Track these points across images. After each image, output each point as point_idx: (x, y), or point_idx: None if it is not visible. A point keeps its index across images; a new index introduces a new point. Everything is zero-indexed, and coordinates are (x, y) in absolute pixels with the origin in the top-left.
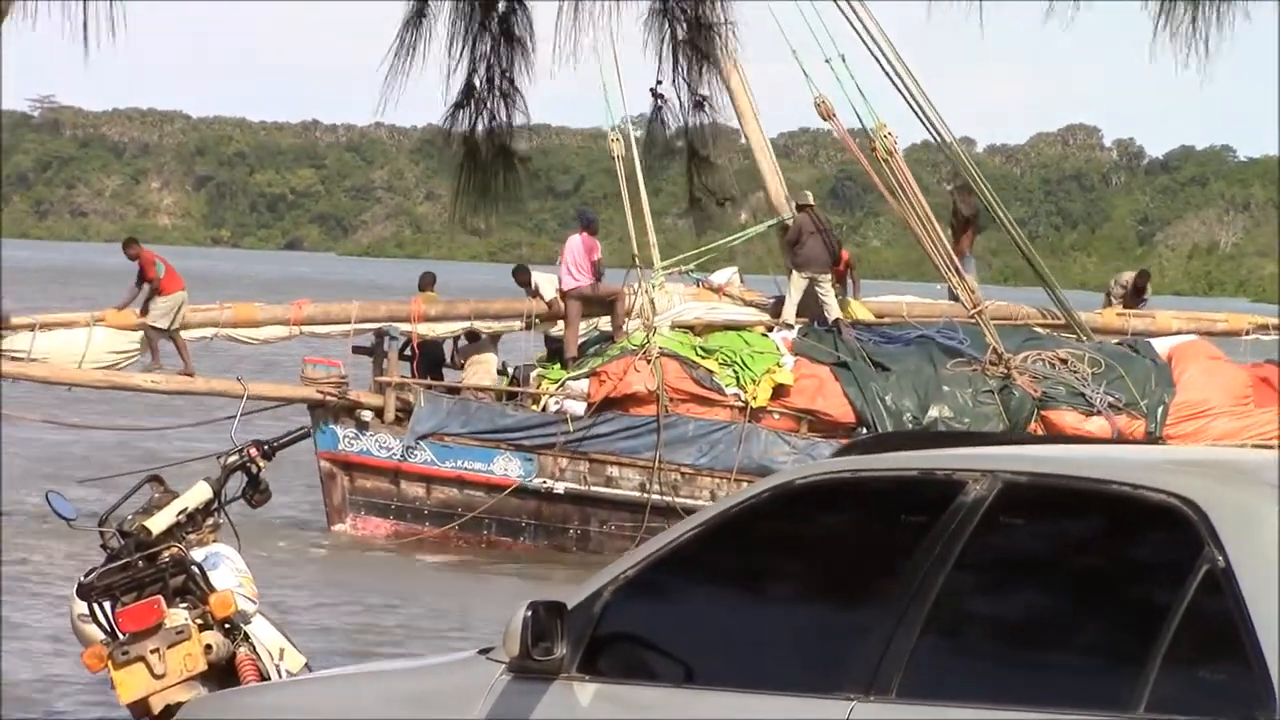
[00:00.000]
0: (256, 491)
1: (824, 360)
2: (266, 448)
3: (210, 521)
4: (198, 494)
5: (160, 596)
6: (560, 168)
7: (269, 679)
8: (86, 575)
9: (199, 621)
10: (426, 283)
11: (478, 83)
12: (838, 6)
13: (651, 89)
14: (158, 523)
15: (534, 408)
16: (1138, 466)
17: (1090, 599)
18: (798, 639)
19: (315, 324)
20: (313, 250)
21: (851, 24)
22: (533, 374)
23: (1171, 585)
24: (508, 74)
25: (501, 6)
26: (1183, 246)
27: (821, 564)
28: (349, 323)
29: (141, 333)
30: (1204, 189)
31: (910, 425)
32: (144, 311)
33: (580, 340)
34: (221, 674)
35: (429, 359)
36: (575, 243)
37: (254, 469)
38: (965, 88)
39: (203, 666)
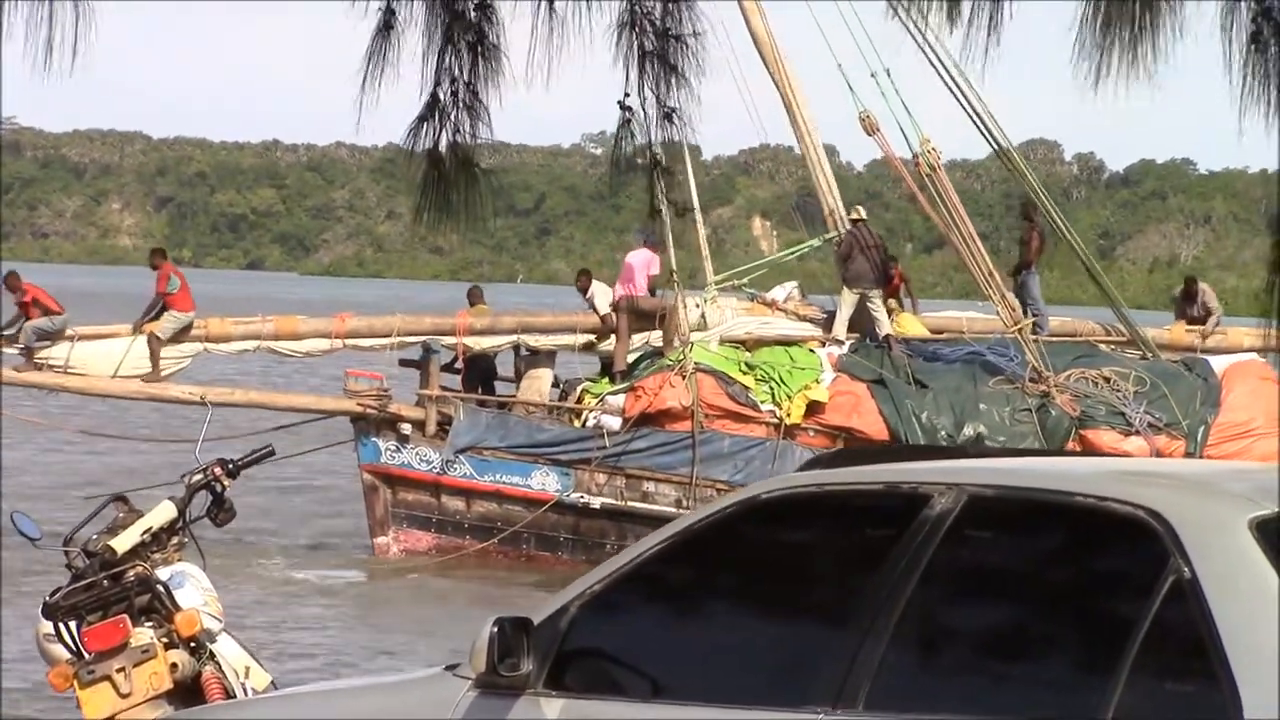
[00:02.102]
0: (221, 510)
1: (864, 377)
2: (231, 466)
3: (175, 540)
4: (162, 513)
5: (126, 616)
6: (521, 185)
7: (234, 697)
8: (52, 595)
9: (165, 640)
10: (476, 296)
11: (443, 96)
12: (900, 19)
13: (619, 101)
14: (123, 542)
15: (576, 422)
16: (1104, 478)
17: (1056, 611)
18: (765, 652)
19: (358, 337)
20: (274, 270)
21: (914, 36)
22: (578, 388)
23: (1138, 597)
24: (472, 87)
25: (471, 17)
26: (1144, 260)
27: (788, 577)
28: (392, 335)
29: (188, 345)
30: (1164, 203)
31: (944, 443)
32: (154, 320)
33: (635, 355)
34: (187, 693)
35: (479, 372)
36: (637, 256)
37: (219, 487)
38: (923, 102)
39: (168, 685)
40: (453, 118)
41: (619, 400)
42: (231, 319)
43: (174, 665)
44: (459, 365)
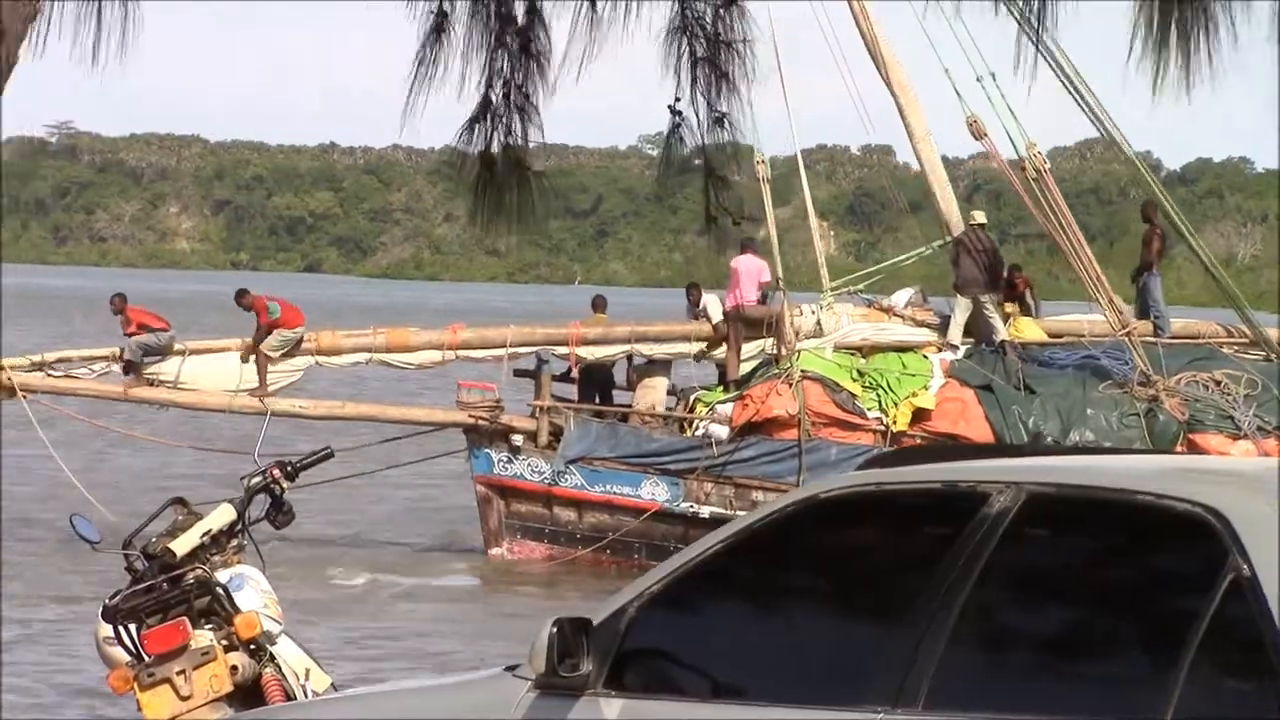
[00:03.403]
0: (280, 513)
1: (973, 383)
2: (289, 469)
3: (234, 543)
4: (221, 516)
5: (185, 618)
6: (578, 187)
7: (294, 699)
8: (111, 598)
9: (224, 643)
10: (599, 305)
11: (494, 98)
12: (1016, 20)
13: (669, 106)
14: (182, 545)
15: (686, 432)
16: (1162, 476)
17: (1115, 609)
18: (824, 652)
19: (470, 348)
20: (331, 273)
21: (1031, 39)
22: (692, 396)
23: (1196, 595)
24: (524, 89)
25: (520, 21)
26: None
27: (847, 576)
28: (504, 346)
29: (299, 359)
30: (1221, 201)
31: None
32: (261, 351)
33: (752, 363)
34: (247, 695)
35: (598, 381)
36: (747, 263)
37: (277, 490)
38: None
39: (229, 688)
40: (504, 120)
41: (728, 409)
42: (342, 331)
43: (234, 667)
44: (574, 375)
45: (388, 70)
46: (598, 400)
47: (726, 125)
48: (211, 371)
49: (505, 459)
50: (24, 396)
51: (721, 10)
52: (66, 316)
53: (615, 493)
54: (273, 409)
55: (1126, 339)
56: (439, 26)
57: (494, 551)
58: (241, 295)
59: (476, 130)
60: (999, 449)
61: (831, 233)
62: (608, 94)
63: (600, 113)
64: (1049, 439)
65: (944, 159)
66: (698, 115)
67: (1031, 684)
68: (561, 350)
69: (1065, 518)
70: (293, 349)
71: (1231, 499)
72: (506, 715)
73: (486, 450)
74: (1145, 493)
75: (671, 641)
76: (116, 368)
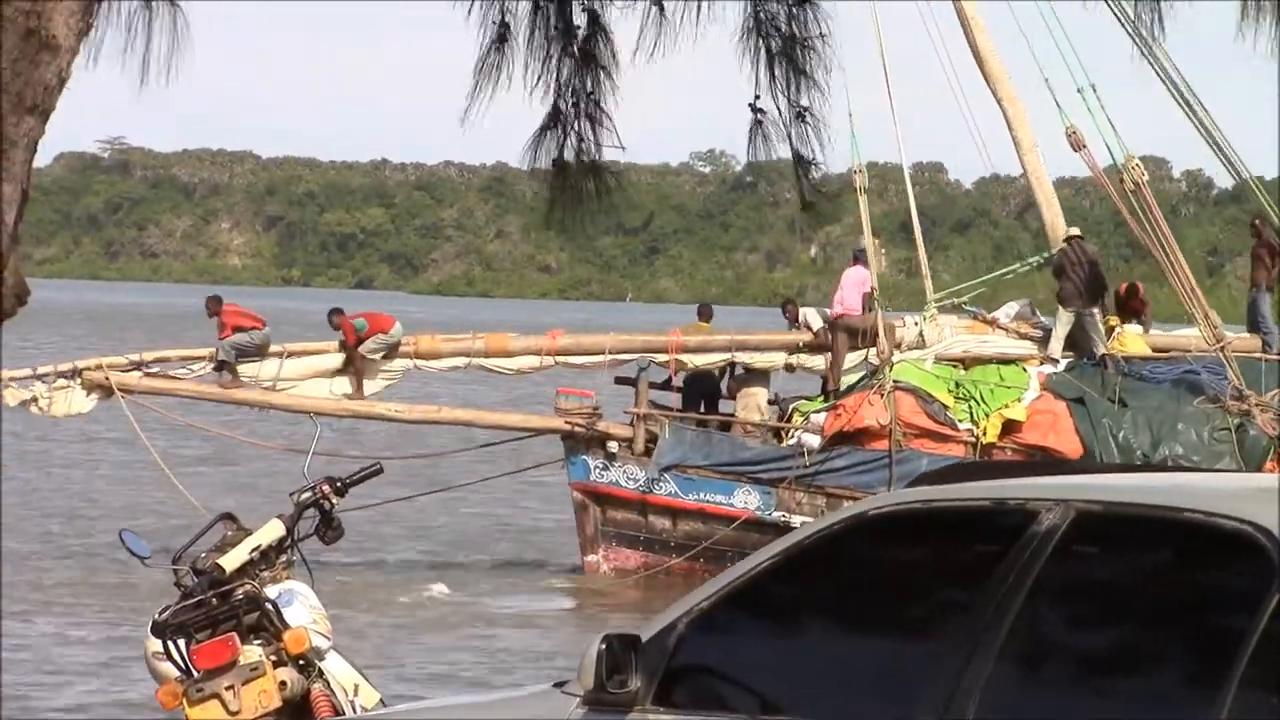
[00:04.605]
0: (329, 529)
1: (1067, 395)
2: (339, 484)
3: (283, 559)
4: (271, 531)
5: (234, 634)
6: (629, 203)
7: (343, 715)
8: (161, 613)
9: (273, 658)
10: (705, 314)
11: (564, 106)
12: (1130, 37)
13: (750, 104)
14: (231, 560)
15: (784, 440)
16: (1211, 494)
17: (1164, 627)
18: (872, 668)
19: (569, 354)
20: (383, 289)
21: (1145, 54)
22: (791, 406)
23: (1245, 613)
24: (594, 97)
25: (581, 32)
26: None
27: (896, 594)
28: (604, 353)
29: (398, 361)
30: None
31: (1140, 461)
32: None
33: (855, 374)
34: (296, 710)
35: (701, 390)
36: (853, 274)
37: (327, 505)
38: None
39: (278, 703)
40: (575, 127)
41: (821, 419)
42: (442, 336)
43: (283, 683)
44: (677, 383)
45: (440, 87)
46: (702, 409)
47: (809, 118)
48: (309, 373)
49: (601, 466)
50: (122, 396)
51: (795, 9)
52: (121, 330)
53: (708, 501)
54: (370, 412)
55: (1221, 353)
56: (502, 36)
57: (590, 559)
58: (333, 315)
59: (548, 137)
60: (1050, 466)
61: (883, 250)
62: (660, 111)
63: (652, 130)
64: (1139, 453)
65: (998, 177)
66: (780, 110)
67: (1079, 701)
68: (661, 358)
69: (1114, 536)
70: (390, 352)
71: None
72: None
73: (583, 457)
74: (1194, 510)
75: (720, 658)
76: (210, 367)
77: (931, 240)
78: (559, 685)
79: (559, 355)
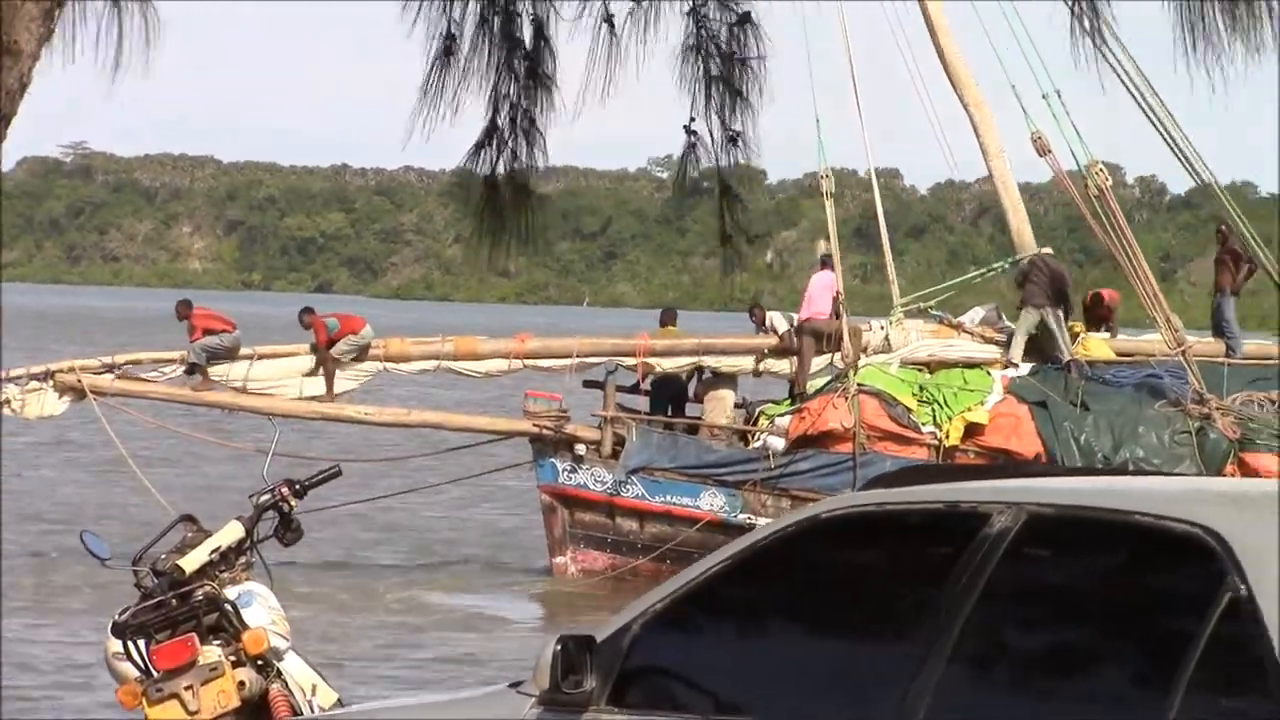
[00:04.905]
0: (288, 530)
1: (1029, 399)
2: (298, 487)
3: (243, 560)
4: (230, 533)
5: (194, 634)
6: (587, 209)
7: (301, 714)
8: (121, 614)
9: (232, 658)
10: (668, 319)
11: (501, 122)
12: (1098, 50)
13: (685, 126)
14: (191, 561)
15: (753, 443)
16: (1162, 498)
17: (1114, 628)
18: (827, 670)
19: (538, 358)
20: (343, 293)
21: (1109, 62)
22: (757, 409)
23: (1195, 614)
24: (530, 114)
25: (528, 45)
26: (1205, 282)
27: (850, 596)
28: (572, 357)
29: (368, 364)
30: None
31: (1100, 464)
32: (330, 355)
33: (823, 379)
34: (255, 710)
35: (669, 393)
36: (821, 278)
37: (286, 508)
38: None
39: (236, 703)
40: (510, 144)
41: (786, 422)
42: (411, 339)
43: (241, 683)
44: (645, 387)
45: (399, 93)
46: (669, 412)
47: (741, 144)
48: (279, 375)
49: (569, 468)
50: (94, 398)
51: (735, 28)
52: (83, 333)
53: (675, 503)
54: (340, 415)
55: (1182, 357)
56: (448, 50)
57: (558, 560)
58: (303, 315)
59: (482, 154)
60: (1001, 469)
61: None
62: (617, 117)
63: (610, 136)
64: (1100, 455)
65: (953, 183)
66: (712, 135)
67: (1030, 703)
68: (629, 362)
69: (1065, 538)
70: (360, 354)
71: (1230, 521)
72: None
73: (551, 459)
74: (1145, 513)
75: (674, 659)
76: (181, 370)
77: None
78: (515, 685)
79: (527, 358)
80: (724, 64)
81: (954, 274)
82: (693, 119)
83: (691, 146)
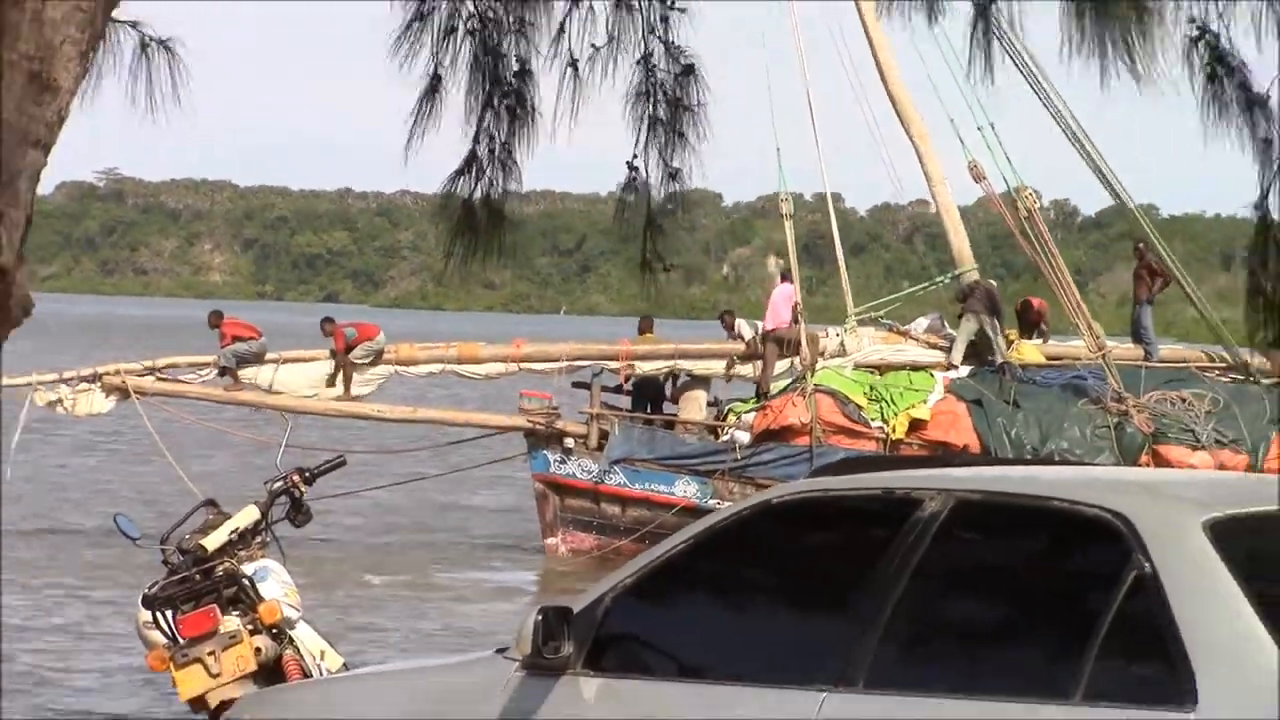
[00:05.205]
0: (299, 513)
1: (966, 397)
2: (308, 474)
3: (259, 540)
4: (247, 515)
5: (215, 606)
6: (564, 228)
7: (311, 677)
8: (150, 588)
9: (250, 627)
10: (646, 326)
11: (480, 152)
12: (1028, 83)
13: (628, 161)
14: (212, 541)
15: (722, 437)
16: (1075, 485)
17: (1033, 602)
18: (777, 638)
19: (532, 361)
20: (348, 302)
21: (1038, 96)
22: (726, 407)
23: (1104, 590)
24: (508, 146)
25: (509, 82)
26: (1113, 294)
27: (797, 572)
28: (562, 360)
29: (381, 367)
30: (1130, 243)
31: (1029, 456)
32: (348, 359)
33: (786, 380)
34: (270, 673)
35: (648, 393)
36: (781, 291)
37: (296, 493)
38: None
39: (253, 666)
40: (487, 173)
41: (751, 418)
42: (419, 345)
43: (258, 649)
44: (627, 388)
45: (397, 124)
46: (649, 410)
47: (679, 180)
48: (301, 377)
49: (559, 459)
50: (137, 398)
51: (680, 77)
52: (118, 339)
53: (653, 490)
54: (356, 412)
55: (1102, 360)
56: (433, 89)
57: (549, 541)
58: (324, 324)
59: (460, 182)
60: (932, 460)
61: (782, 268)
62: (590, 146)
63: (584, 162)
64: (1029, 448)
65: (889, 205)
66: (648, 170)
67: (958, 669)
68: (613, 365)
69: (990, 521)
70: (375, 358)
71: (1136, 505)
72: (497, 692)
73: (544, 452)
74: (1060, 499)
75: (643, 628)
76: (214, 372)
77: (832, 261)
78: (501, 651)
79: (522, 362)
80: (669, 108)
81: (890, 286)
82: (635, 155)
83: (631, 180)
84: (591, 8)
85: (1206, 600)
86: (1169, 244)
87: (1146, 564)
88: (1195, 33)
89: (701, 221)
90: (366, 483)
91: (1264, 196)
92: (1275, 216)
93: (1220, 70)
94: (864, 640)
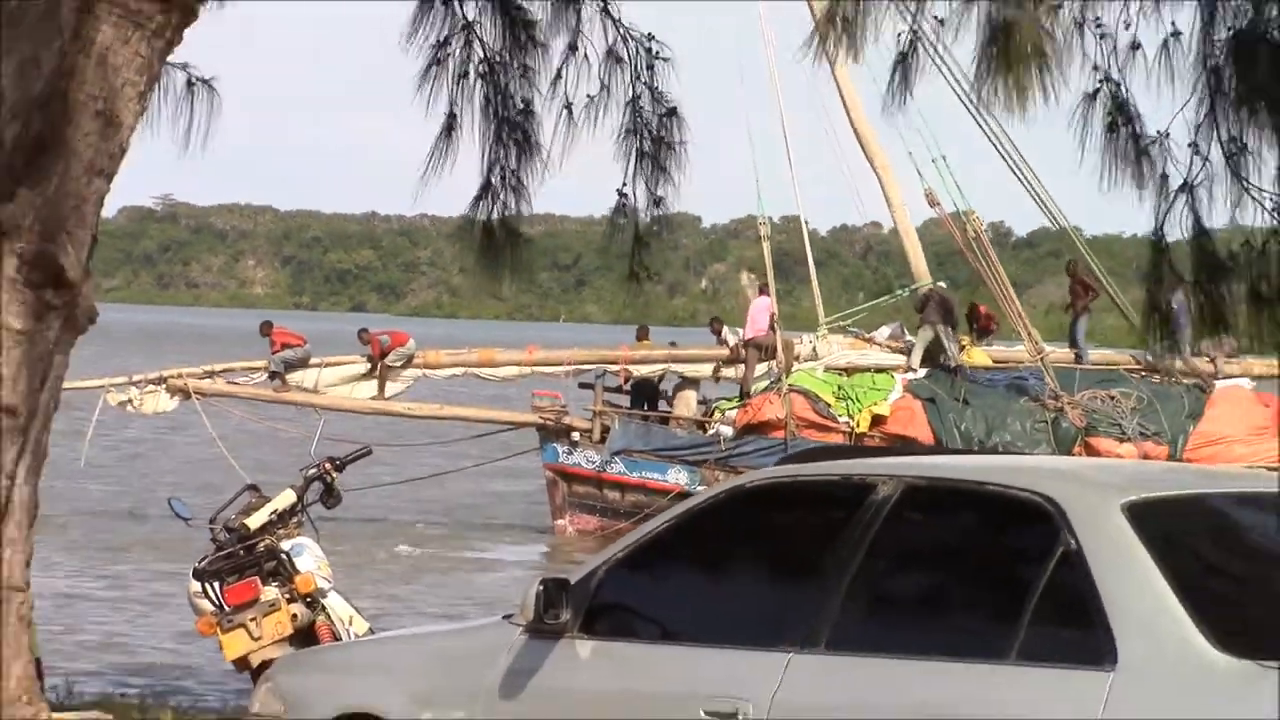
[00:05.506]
0: (330, 496)
1: (922, 395)
2: (338, 462)
3: (295, 519)
4: (285, 498)
5: (257, 578)
6: (563, 247)
7: (341, 640)
8: (200, 562)
9: (287, 596)
10: (643, 334)
11: (494, 180)
12: (977, 122)
13: (618, 190)
14: (254, 521)
15: (709, 431)
16: (1011, 471)
17: (974, 574)
18: (749, 606)
19: (544, 365)
20: (373, 312)
21: (985, 132)
22: (713, 405)
23: (1036, 564)
24: (517, 173)
25: (515, 119)
26: (1042, 305)
27: (767, 548)
28: (570, 364)
29: (410, 370)
30: (1058, 260)
31: (976, 447)
32: (384, 363)
33: (765, 381)
34: (304, 636)
35: (646, 392)
36: (760, 303)
37: (328, 479)
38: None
39: (290, 631)
40: (502, 198)
41: (733, 414)
42: (445, 351)
43: (294, 615)
44: (626, 388)
45: (417, 153)
46: (645, 407)
47: (663, 205)
48: (341, 380)
49: (567, 451)
50: (197, 399)
51: (664, 118)
52: (174, 344)
53: (649, 477)
54: (389, 409)
55: (1041, 363)
56: (449, 126)
57: (558, 523)
58: (361, 333)
59: (480, 206)
60: (886, 450)
61: (759, 283)
62: (586, 175)
63: (580, 189)
64: (976, 440)
65: (847, 226)
66: (636, 197)
67: (908, 631)
68: (614, 368)
69: (935, 503)
70: (406, 362)
71: (1063, 489)
72: (504, 653)
73: (553, 444)
74: (997, 484)
75: (632, 597)
76: (265, 376)
77: (794, 276)
78: (507, 617)
79: (535, 365)
80: (654, 145)
81: (849, 298)
82: (624, 184)
83: (620, 206)
84: (586, 56)
85: (1125, 573)
86: (1093, 264)
87: (1072, 541)
88: (1098, 84)
89: (683, 241)
90: (401, 474)
91: (1159, 226)
92: (1170, 240)
93: (1120, 119)
94: (826, 607)
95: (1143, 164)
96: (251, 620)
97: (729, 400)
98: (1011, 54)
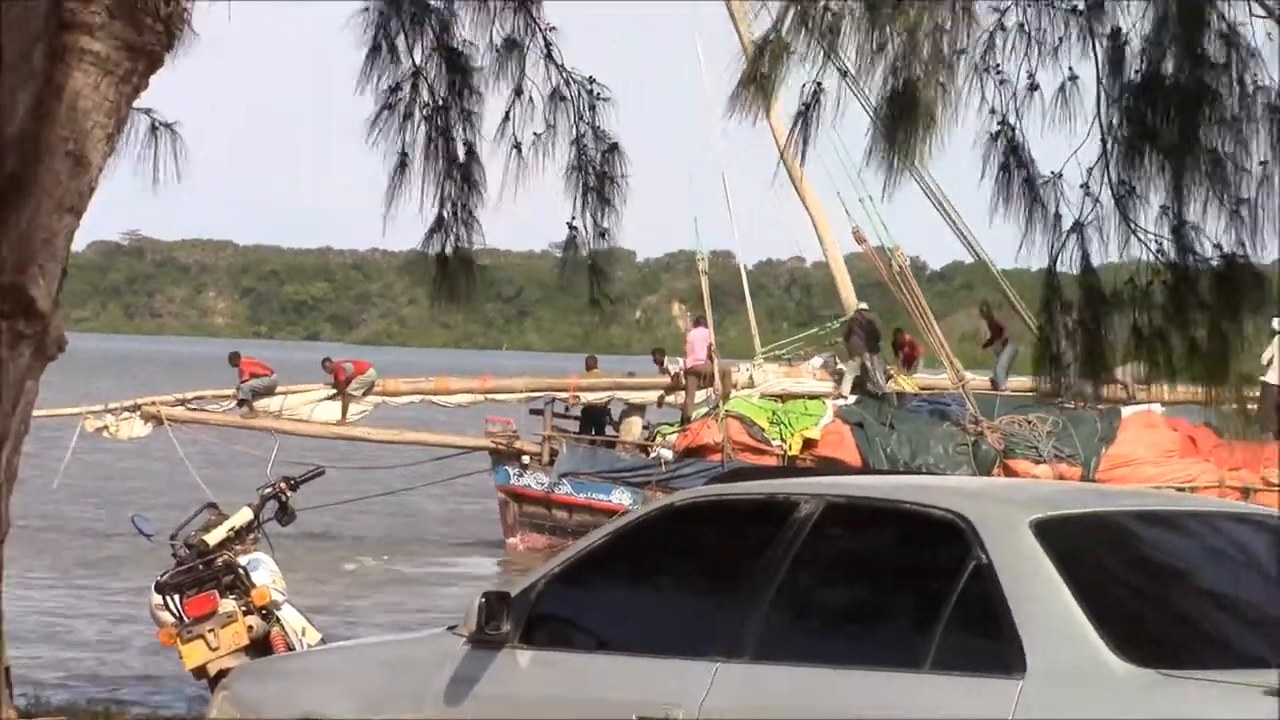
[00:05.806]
0: (285, 514)
1: (850, 420)
2: (293, 482)
3: (252, 536)
4: (242, 516)
5: (215, 591)
6: (505, 279)
7: (294, 650)
8: (161, 576)
9: (244, 609)
10: (591, 364)
11: (446, 215)
12: (914, 178)
13: (568, 223)
14: (213, 537)
15: (651, 454)
16: (926, 491)
17: (891, 588)
18: (679, 617)
19: (496, 392)
20: (327, 341)
21: (918, 182)
22: (656, 430)
23: (949, 578)
24: (468, 208)
25: (461, 158)
26: (954, 334)
27: (696, 563)
28: (521, 391)
29: (371, 397)
30: (971, 292)
31: (902, 469)
32: (346, 390)
33: (704, 409)
34: (260, 647)
35: (595, 418)
36: (698, 334)
37: (283, 498)
38: (797, 214)
39: (246, 641)
40: (454, 231)
41: (674, 438)
42: (404, 379)
43: (250, 627)
44: (575, 414)
45: (369, 191)
46: (593, 432)
47: (607, 236)
48: (304, 407)
49: (518, 473)
50: (169, 425)
51: (606, 154)
52: (141, 370)
53: (594, 498)
54: (350, 434)
55: (962, 390)
56: (402, 164)
57: (510, 541)
58: (325, 361)
59: (434, 239)
60: (808, 470)
61: (689, 314)
62: (526, 212)
63: (521, 224)
64: (901, 462)
65: (771, 261)
66: (586, 229)
67: (829, 642)
68: (563, 395)
69: (854, 520)
70: (367, 389)
71: (975, 507)
72: (447, 662)
73: (505, 466)
74: (912, 503)
75: (569, 609)
76: (234, 403)
77: (724, 307)
78: (451, 628)
79: (488, 393)
80: (598, 180)
81: (773, 328)
82: (574, 217)
83: (571, 238)
84: (531, 99)
85: (1033, 586)
86: (1001, 293)
87: (983, 556)
88: (996, 127)
89: (618, 274)
90: (360, 493)
91: (1053, 262)
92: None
93: (1013, 161)
94: (751, 619)
95: (1034, 204)
96: (210, 631)
97: (670, 425)
98: (905, 118)
